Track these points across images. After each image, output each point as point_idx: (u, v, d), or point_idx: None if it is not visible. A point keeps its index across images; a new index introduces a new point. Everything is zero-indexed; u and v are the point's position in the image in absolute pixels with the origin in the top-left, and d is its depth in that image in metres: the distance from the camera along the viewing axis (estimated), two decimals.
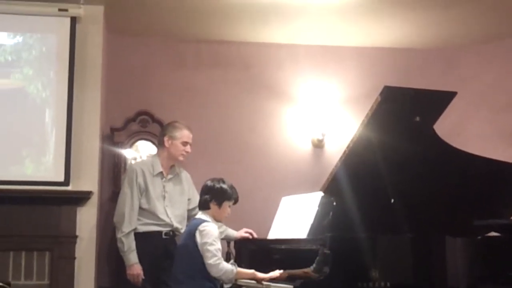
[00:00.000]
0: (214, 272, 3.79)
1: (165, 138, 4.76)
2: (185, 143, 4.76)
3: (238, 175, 5.88)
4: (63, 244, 5.05)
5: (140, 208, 4.64)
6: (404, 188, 3.87)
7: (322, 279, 3.55)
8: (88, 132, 5.26)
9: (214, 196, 3.97)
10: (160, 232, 4.64)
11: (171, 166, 4.80)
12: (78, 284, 5.05)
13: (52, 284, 5.00)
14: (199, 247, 3.82)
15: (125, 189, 4.68)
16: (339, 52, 6.58)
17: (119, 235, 4.60)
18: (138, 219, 4.62)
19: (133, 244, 4.58)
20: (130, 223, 4.59)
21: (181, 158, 4.77)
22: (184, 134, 4.77)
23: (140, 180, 4.66)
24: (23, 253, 5.02)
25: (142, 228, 4.63)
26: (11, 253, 5.00)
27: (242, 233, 4.67)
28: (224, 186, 4.00)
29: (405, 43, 6.50)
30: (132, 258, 4.56)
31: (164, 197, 4.70)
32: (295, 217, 4.40)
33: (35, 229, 5.01)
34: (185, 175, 4.89)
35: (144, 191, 4.67)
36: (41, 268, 5.02)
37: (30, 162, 5.16)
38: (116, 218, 4.66)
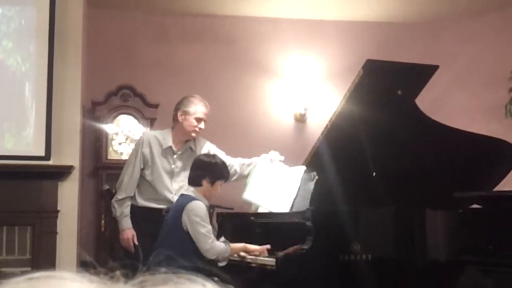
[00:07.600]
0: (210, 255, 3.66)
1: (179, 113, 4.52)
2: (198, 119, 4.50)
3: (220, 149, 5.87)
4: (44, 219, 5.02)
5: (145, 179, 4.50)
6: (385, 161, 3.88)
7: (304, 252, 3.57)
8: (69, 106, 5.20)
9: (208, 173, 3.82)
10: (160, 210, 4.44)
11: (186, 141, 4.57)
12: (60, 259, 5.04)
13: (34, 258, 4.97)
14: (188, 228, 3.71)
15: (130, 158, 4.61)
16: (322, 26, 6.55)
17: (113, 200, 4.52)
18: (141, 194, 4.51)
19: (126, 210, 4.46)
20: (125, 190, 4.47)
21: (193, 135, 4.54)
22: (198, 109, 4.52)
23: (146, 150, 4.50)
24: (5, 228, 4.99)
25: (142, 203, 4.50)
26: None
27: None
28: (219, 162, 3.89)
29: (388, 17, 6.48)
30: (124, 223, 4.46)
31: (172, 173, 4.49)
32: (277, 191, 4.40)
33: (16, 204, 4.96)
34: (206, 148, 4.63)
35: (149, 162, 4.50)
36: (22, 243, 5.00)
37: (10, 136, 5.10)
38: (117, 184, 4.58)
